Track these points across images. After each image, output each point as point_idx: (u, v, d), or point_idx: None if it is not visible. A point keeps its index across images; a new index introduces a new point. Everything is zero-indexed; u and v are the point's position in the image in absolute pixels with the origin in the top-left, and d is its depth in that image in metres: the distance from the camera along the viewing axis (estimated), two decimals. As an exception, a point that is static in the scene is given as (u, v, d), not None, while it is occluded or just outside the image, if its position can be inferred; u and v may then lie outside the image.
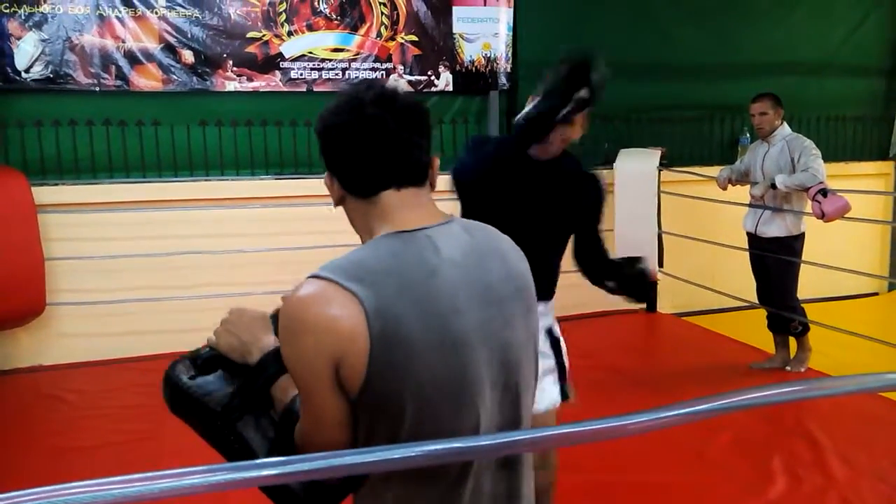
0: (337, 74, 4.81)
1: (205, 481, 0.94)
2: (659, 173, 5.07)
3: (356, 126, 1.09)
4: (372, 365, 0.97)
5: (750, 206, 4.24)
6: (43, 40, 4.29)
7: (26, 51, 4.26)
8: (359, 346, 0.97)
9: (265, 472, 0.95)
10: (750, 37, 5.74)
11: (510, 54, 5.12)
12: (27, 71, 4.28)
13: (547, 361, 2.11)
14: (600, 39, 5.38)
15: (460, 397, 1.03)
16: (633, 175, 5.09)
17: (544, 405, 2.06)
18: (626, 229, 5.11)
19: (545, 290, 2.08)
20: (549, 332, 2.15)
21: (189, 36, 4.50)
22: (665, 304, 5.55)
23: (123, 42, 4.41)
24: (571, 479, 2.92)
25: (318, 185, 5.49)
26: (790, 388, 1.27)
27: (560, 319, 4.83)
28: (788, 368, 4.16)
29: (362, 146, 1.09)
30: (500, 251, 1.13)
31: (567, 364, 2.18)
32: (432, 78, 4.98)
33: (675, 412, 1.18)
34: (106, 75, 4.41)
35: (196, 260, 4.58)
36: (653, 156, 5.08)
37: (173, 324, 4.61)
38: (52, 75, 4.32)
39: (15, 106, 4.37)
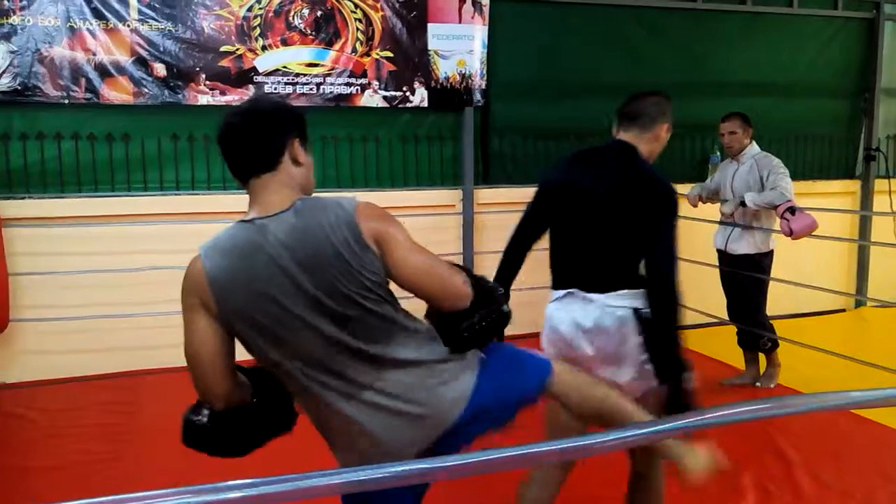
0: (311, 89, 4.79)
1: (167, 505, 0.91)
2: (631, 190, 5.11)
3: (219, 132, 1.58)
4: (216, 300, 1.51)
5: (720, 223, 4.30)
6: (12, 52, 4.22)
7: (-7, 62, 4.19)
8: (206, 289, 1.51)
9: (230, 495, 0.93)
10: (720, 57, 5.85)
11: (485, 71, 5.16)
12: (-6, 82, 4.21)
13: (637, 349, 2.11)
14: (573, 58, 5.46)
15: (281, 328, 1.51)
16: (605, 192, 5.12)
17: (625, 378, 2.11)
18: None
19: (603, 281, 2.12)
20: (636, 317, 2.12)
21: (161, 49, 4.46)
22: (638, 320, 5.58)
23: (94, 55, 4.35)
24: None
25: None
26: (759, 406, 1.28)
27: (533, 335, 4.81)
28: (758, 384, 4.20)
29: (222, 147, 1.58)
30: (307, 230, 1.50)
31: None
32: (407, 94, 4.99)
33: (641, 431, 1.18)
34: (76, 88, 4.34)
35: (164, 276, 4.50)
36: (625, 173, 5.13)
37: (140, 341, 4.54)
38: (20, 87, 4.25)
39: (-19, 118, 4.30)
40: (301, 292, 1.49)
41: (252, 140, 1.54)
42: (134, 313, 4.46)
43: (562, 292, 2.18)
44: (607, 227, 2.14)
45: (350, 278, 1.49)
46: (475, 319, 1.61)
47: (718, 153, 5.73)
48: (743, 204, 4.02)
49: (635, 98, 2.30)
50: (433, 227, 5.15)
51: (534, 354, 1.80)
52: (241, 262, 1.50)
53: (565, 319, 2.16)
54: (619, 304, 2.11)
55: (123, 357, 4.50)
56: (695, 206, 4.43)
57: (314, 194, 1.64)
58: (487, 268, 5.37)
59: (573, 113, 5.46)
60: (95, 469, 3.16)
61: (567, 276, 2.19)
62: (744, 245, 4.12)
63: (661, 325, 2.06)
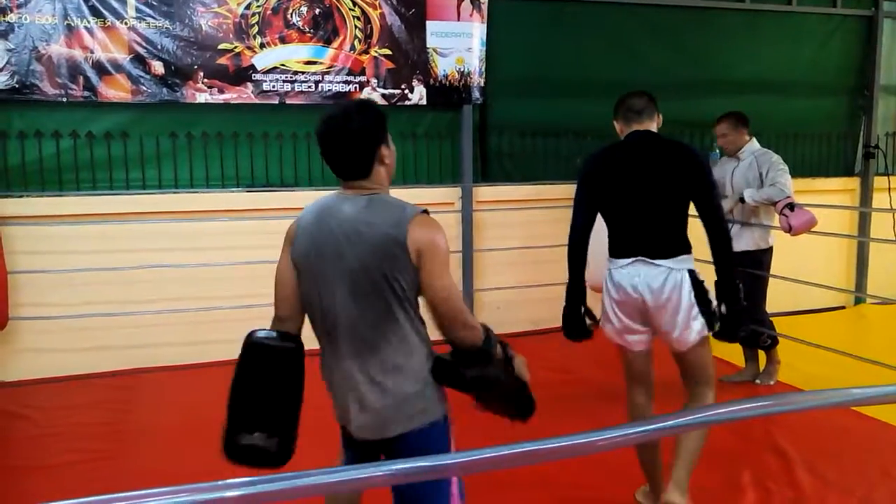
0: (310, 87, 4.78)
1: (167, 503, 0.91)
2: (630, 188, 5.11)
3: (317, 136, 1.87)
4: (292, 243, 1.90)
5: (719, 220, 4.29)
6: (9, 50, 4.20)
7: (-9, 60, 4.18)
8: (292, 234, 1.91)
9: (227, 494, 0.93)
10: (720, 55, 5.84)
11: (483, 69, 5.15)
12: (-9, 80, 4.20)
13: (690, 305, 2.56)
14: (572, 56, 5.45)
15: (319, 278, 1.84)
16: (605, 189, 5.12)
17: (692, 337, 2.58)
18: (599, 243, 5.13)
19: (659, 249, 2.58)
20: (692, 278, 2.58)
21: (159, 47, 4.45)
22: (637, 318, 5.58)
23: (92, 52, 4.34)
24: (542, 494, 2.90)
25: (289, 197, 5.44)
26: (761, 403, 1.28)
27: (536, 333, 4.88)
28: (758, 381, 4.20)
29: (323, 151, 1.87)
30: (368, 217, 1.80)
31: (713, 302, 2.59)
32: (406, 91, 4.99)
33: (646, 427, 1.18)
34: (74, 86, 4.33)
35: (162, 274, 4.51)
36: (624, 171, 5.12)
37: (138, 339, 4.53)
38: (17, 85, 4.24)
39: (-22, 116, 4.29)
40: (341, 260, 1.79)
41: (350, 153, 1.83)
42: (132, 312, 4.46)
43: (629, 259, 2.61)
44: (668, 200, 2.57)
45: (379, 268, 1.76)
46: (476, 370, 1.80)
47: (718, 151, 5.72)
48: (742, 200, 4.02)
49: (631, 98, 2.74)
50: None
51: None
52: (316, 221, 1.86)
53: (636, 281, 2.59)
54: (679, 267, 2.55)
55: (121, 355, 4.49)
56: None
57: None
58: (487, 265, 5.39)
59: (572, 111, 5.45)
60: (93, 467, 3.16)
61: (633, 246, 2.62)
62: (743, 242, 4.11)
63: (725, 261, 2.56)
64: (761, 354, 4.25)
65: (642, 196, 2.58)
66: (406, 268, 1.76)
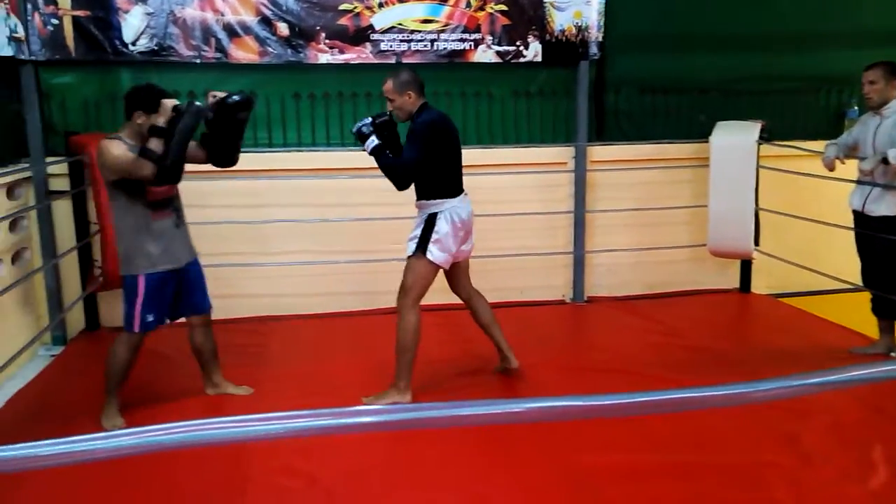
0: (425, 46, 4.81)
1: (310, 424, 0.98)
2: (758, 147, 4.85)
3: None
4: None
5: (858, 182, 4.00)
6: (148, 14, 4.48)
7: (133, 24, 4.47)
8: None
9: (363, 419, 0.99)
10: (859, 3, 5.38)
11: (602, 23, 4.99)
12: (134, 44, 4.50)
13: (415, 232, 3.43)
14: (695, 8, 5.18)
15: None
16: (729, 149, 4.89)
17: (406, 255, 3.43)
18: (721, 205, 4.93)
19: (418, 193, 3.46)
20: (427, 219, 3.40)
21: (284, 9, 4.61)
22: (760, 284, 5.34)
23: (222, 15, 4.56)
24: (655, 458, 2.87)
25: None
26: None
27: (649, 297, 4.83)
28: (893, 355, 3.94)
29: None
30: None
31: (433, 237, 3.34)
32: (521, 48, 4.92)
33: (772, 385, 1.14)
34: (206, 48, 4.57)
35: (286, 228, 4.73)
36: (752, 129, 4.86)
37: (268, 289, 4.78)
38: (156, 48, 4.52)
39: (123, 78, 4.61)
40: None
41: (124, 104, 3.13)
42: (264, 263, 4.73)
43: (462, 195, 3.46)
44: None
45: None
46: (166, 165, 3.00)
47: (856, 108, 5.31)
48: (885, 161, 3.71)
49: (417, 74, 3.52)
50: (544, 185, 5.09)
51: (145, 318, 3.17)
52: None
53: (468, 209, 3.46)
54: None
55: (253, 303, 4.79)
56: (831, 169, 4.10)
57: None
58: (599, 226, 5.28)
59: (695, 66, 5.22)
60: (228, 403, 3.41)
61: (460, 185, 3.48)
62: (884, 206, 3.82)
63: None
64: (897, 327, 3.97)
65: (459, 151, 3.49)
66: (102, 171, 3.05)
